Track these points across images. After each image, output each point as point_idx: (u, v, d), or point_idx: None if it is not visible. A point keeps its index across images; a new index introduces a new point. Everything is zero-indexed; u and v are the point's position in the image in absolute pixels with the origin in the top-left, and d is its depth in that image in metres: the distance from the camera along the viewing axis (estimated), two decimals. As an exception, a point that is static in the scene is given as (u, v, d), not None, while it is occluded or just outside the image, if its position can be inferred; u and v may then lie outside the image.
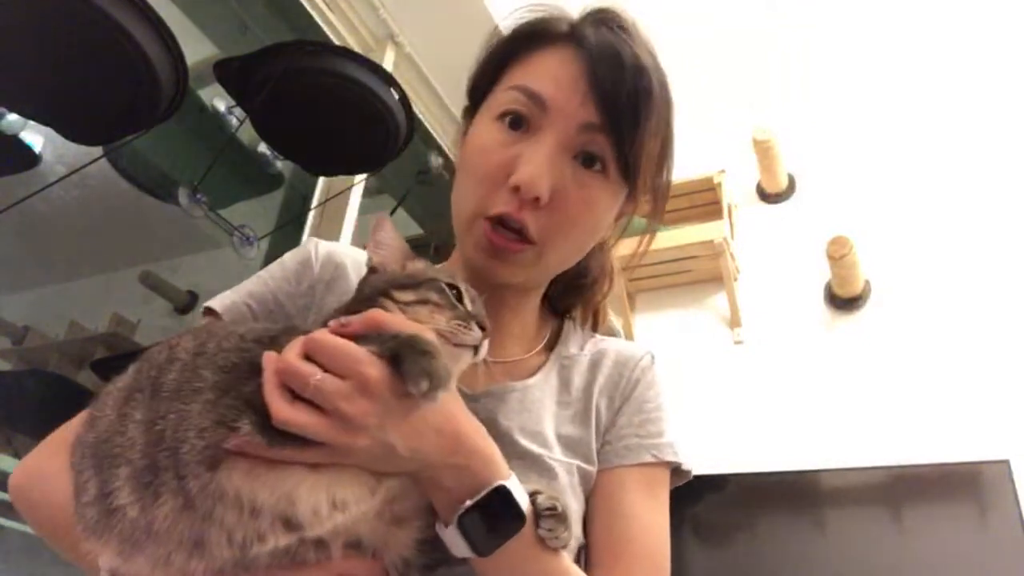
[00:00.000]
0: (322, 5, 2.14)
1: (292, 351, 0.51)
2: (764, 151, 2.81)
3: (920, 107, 2.81)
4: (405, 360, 0.50)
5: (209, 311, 0.75)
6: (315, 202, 2.12)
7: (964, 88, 2.77)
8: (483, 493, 0.54)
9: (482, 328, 0.59)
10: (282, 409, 0.48)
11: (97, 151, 1.47)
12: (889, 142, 2.83)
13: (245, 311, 0.73)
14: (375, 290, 0.61)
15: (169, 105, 1.22)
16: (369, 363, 0.50)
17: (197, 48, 1.82)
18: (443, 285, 0.61)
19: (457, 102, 2.48)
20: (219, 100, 1.84)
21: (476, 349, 0.59)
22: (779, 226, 2.92)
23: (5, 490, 1.29)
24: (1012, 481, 2.10)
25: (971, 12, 2.79)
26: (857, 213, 2.72)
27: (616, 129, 0.67)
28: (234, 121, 1.82)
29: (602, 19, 0.71)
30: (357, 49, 2.14)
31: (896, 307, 2.56)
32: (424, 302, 0.59)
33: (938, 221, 2.62)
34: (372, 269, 0.65)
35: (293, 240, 2.05)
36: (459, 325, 0.58)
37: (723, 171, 2.90)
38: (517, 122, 0.69)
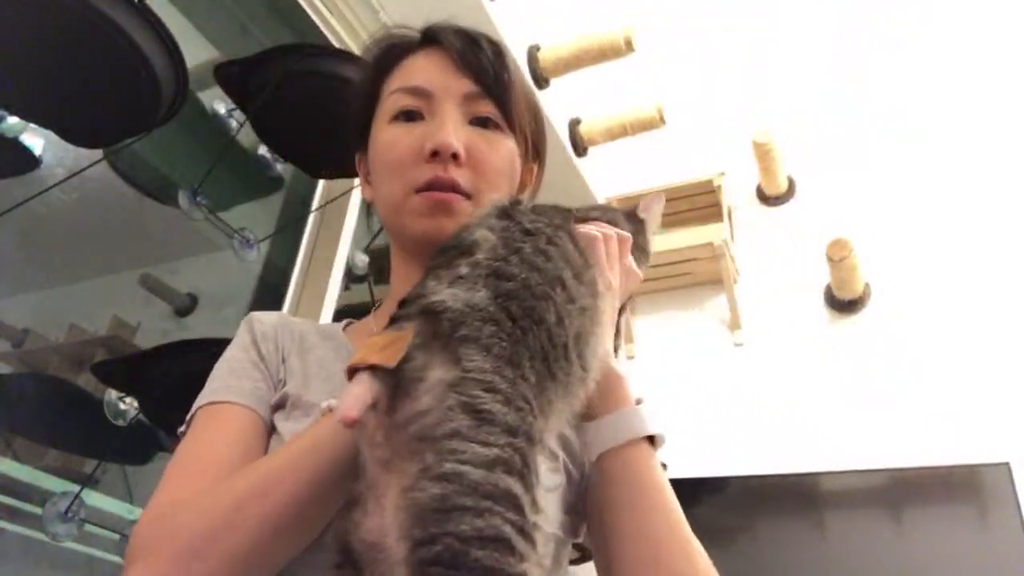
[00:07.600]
0: (322, 8, 2.14)
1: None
2: (764, 153, 2.81)
3: (920, 109, 2.81)
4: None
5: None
6: (315, 204, 2.12)
7: (964, 90, 2.77)
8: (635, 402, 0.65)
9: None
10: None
11: (97, 154, 1.46)
12: (889, 144, 2.83)
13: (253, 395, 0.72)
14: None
15: (169, 108, 1.22)
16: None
17: (197, 51, 1.82)
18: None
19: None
20: (219, 103, 1.83)
21: None
22: (779, 228, 2.92)
23: (4, 494, 1.29)
24: (1012, 483, 2.09)
25: (971, 13, 2.80)
26: (857, 215, 2.72)
27: (492, 90, 0.77)
28: (234, 124, 1.81)
29: (440, 25, 0.81)
30: (357, 52, 2.14)
31: (896, 309, 2.56)
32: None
33: (938, 223, 2.62)
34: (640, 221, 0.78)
35: (293, 243, 2.04)
36: None
37: (723, 173, 2.90)
38: (410, 116, 0.76)
